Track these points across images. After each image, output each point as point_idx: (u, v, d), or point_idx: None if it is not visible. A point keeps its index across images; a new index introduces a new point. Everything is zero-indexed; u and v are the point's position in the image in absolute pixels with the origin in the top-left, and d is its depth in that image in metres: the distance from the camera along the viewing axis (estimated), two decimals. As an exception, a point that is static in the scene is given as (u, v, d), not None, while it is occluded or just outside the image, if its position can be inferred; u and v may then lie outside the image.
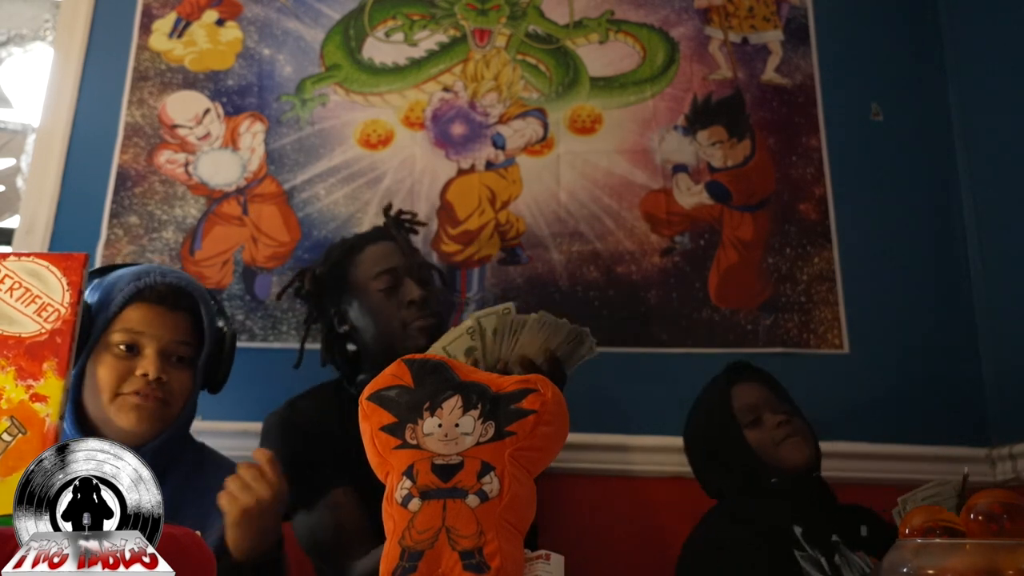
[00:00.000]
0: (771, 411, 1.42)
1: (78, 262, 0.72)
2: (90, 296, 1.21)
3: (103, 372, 1.17)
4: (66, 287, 0.71)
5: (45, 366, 0.68)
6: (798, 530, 1.31)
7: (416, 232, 1.66)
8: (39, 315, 0.70)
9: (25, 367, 0.68)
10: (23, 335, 0.69)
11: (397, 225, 1.61)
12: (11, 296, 0.70)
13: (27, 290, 0.70)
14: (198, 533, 0.66)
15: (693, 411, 1.52)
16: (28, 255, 0.72)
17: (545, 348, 1.19)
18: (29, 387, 0.68)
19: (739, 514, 1.40)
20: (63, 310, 0.70)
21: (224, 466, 1.27)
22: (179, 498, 1.17)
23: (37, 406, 0.67)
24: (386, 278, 1.48)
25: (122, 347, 1.18)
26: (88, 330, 1.17)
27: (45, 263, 0.71)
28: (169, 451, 1.21)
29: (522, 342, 1.18)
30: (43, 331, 0.69)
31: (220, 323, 1.29)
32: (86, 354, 1.17)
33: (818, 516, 1.34)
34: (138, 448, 1.16)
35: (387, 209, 1.64)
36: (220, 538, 1.13)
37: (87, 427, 1.19)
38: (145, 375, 1.17)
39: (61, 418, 0.68)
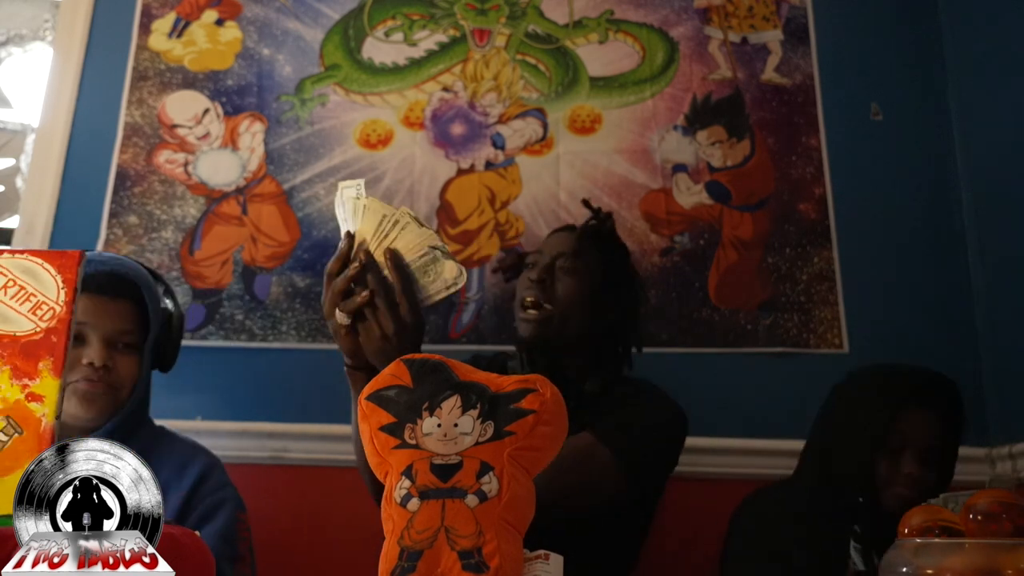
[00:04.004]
0: (914, 455, 1.32)
1: (73, 260, 0.71)
2: None
3: None
4: (61, 285, 0.69)
5: (40, 365, 0.67)
6: (857, 528, 1.30)
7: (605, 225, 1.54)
8: (34, 313, 0.69)
9: (20, 366, 0.67)
10: (18, 334, 0.68)
11: (596, 230, 1.51)
12: (5, 294, 0.69)
13: (21, 288, 0.69)
14: (197, 533, 0.66)
15: (857, 383, 1.43)
16: (22, 252, 0.70)
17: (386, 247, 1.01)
18: (25, 386, 0.67)
19: (804, 498, 1.39)
20: (58, 308, 0.69)
21: (178, 446, 1.30)
22: None
23: (33, 406, 0.67)
24: (532, 257, 1.48)
25: None
26: None
27: (39, 260, 0.70)
28: (120, 434, 1.23)
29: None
30: (38, 330, 0.68)
31: (167, 304, 1.31)
32: None
33: (885, 529, 1.31)
34: (90, 432, 1.20)
35: (586, 202, 1.60)
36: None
37: None
38: (91, 363, 1.20)
39: (57, 417, 0.67)
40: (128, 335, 1.24)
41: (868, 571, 1.26)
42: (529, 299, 1.40)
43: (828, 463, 1.40)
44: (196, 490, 1.22)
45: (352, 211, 1.02)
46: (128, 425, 1.25)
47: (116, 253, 1.92)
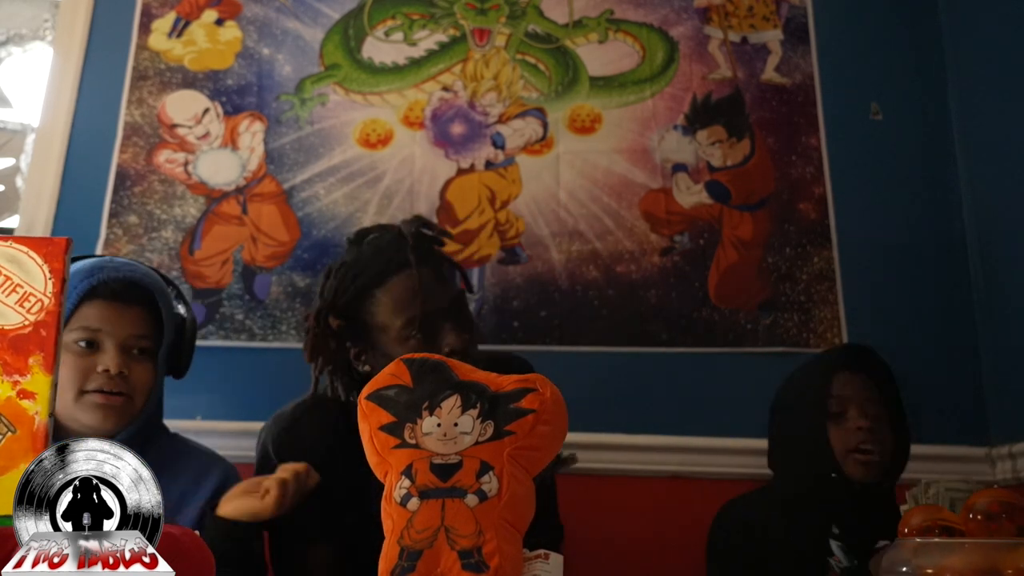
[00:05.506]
0: (858, 410, 1.37)
1: (60, 247, 0.67)
2: None
3: (64, 370, 1.17)
4: (48, 275, 0.66)
5: (31, 361, 0.64)
6: (835, 530, 1.31)
7: (442, 244, 1.40)
8: (21, 305, 0.65)
9: (10, 362, 0.64)
10: (5, 327, 0.65)
11: (420, 246, 1.32)
12: None
13: (7, 278, 0.65)
14: (197, 533, 0.66)
15: (790, 380, 1.48)
16: (5, 239, 0.67)
17: None
18: (16, 383, 0.64)
19: (780, 499, 1.40)
20: (47, 300, 0.65)
21: (196, 455, 1.30)
22: None
23: (25, 403, 0.64)
24: (419, 326, 1.26)
25: (81, 344, 1.19)
26: None
27: (25, 248, 0.66)
28: (136, 443, 1.21)
29: None
30: (26, 323, 0.65)
31: (180, 309, 1.30)
32: None
33: (864, 520, 1.32)
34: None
35: (411, 225, 1.36)
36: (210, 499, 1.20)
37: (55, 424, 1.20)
38: (107, 371, 1.18)
39: (51, 415, 0.65)
40: (143, 341, 1.23)
41: (853, 567, 1.26)
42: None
43: (789, 452, 1.43)
44: (214, 499, 1.21)
45: None
46: (144, 433, 1.23)
47: (117, 253, 1.92)
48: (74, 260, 1.26)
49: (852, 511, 1.33)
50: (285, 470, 1.18)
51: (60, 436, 1.16)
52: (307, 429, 1.33)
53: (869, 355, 1.43)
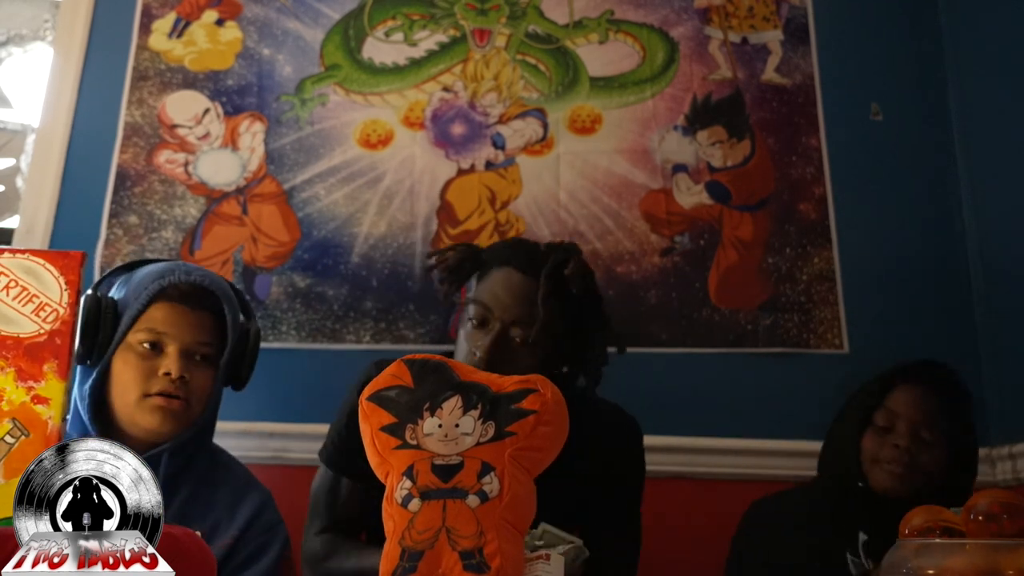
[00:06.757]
0: (905, 428, 1.32)
1: (75, 260, 0.70)
2: (116, 292, 1.22)
3: (128, 371, 1.18)
4: (64, 286, 0.69)
5: (45, 368, 0.67)
6: (862, 537, 1.30)
7: (571, 292, 1.33)
8: (37, 315, 0.68)
9: (25, 368, 0.67)
10: (21, 335, 0.68)
11: (553, 265, 1.31)
12: (7, 294, 0.68)
13: (24, 288, 0.68)
14: (198, 533, 0.66)
15: (858, 388, 1.44)
16: (23, 251, 0.70)
17: None
18: (30, 389, 0.67)
19: (808, 503, 1.40)
20: (62, 310, 0.68)
21: (235, 481, 1.27)
22: (186, 510, 1.17)
23: (39, 408, 0.67)
24: (478, 311, 1.30)
25: (146, 345, 1.19)
26: (115, 327, 1.18)
27: (41, 261, 0.69)
28: (187, 452, 1.21)
29: None
30: (42, 332, 0.68)
31: (243, 319, 1.28)
32: (111, 351, 1.18)
33: (888, 533, 1.31)
34: (156, 446, 1.19)
35: (560, 251, 1.36)
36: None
37: (111, 425, 1.19)
38: (168, 374, 1.17)
39: (63, 420, 0.67)
40: (206, 347, 1.22)
41: None
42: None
43: (826, 457, 1.43)
44: (247, 531, 1.20)
45: None
46: (195, 442, 1.22)
47: (117, 253, 1.92)
48: (147, 263, 1.26)
49: (874, 522, 1.29)
50: None
51: (117, 438, 1.14)
52: None
53: (935, 369, 1.39)
